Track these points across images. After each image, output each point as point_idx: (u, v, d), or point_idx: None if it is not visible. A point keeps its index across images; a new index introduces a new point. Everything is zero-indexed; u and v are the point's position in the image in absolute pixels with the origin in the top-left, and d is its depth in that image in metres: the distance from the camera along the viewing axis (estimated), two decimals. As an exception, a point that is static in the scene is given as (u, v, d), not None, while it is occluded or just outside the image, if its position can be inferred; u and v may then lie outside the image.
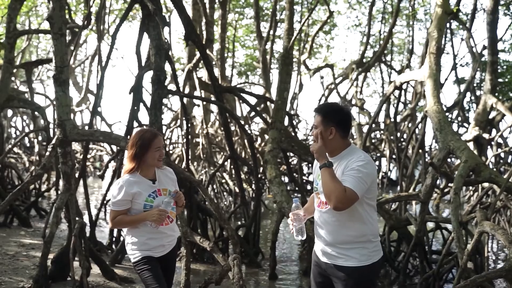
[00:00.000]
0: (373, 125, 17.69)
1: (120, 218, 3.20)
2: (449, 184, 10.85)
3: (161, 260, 3.29)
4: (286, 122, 9.27)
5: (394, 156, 17.20)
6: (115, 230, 7.96)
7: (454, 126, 15.62)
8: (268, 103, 14.55)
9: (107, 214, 10.27)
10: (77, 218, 5.37)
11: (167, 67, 6.87)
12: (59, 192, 6.94)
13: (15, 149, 15.91)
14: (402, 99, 18.85)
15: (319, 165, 2.85)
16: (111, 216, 3.24)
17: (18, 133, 20.50)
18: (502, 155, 12.76)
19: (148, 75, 6.87)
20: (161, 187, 3.27)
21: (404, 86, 15.51)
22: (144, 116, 12.21)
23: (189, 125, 9.66)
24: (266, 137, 12.97)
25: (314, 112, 3.00)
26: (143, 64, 7.25)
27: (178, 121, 13.81)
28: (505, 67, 15.42)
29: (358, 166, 2.79)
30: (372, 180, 2.84)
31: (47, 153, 5.60)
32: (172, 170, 3.45)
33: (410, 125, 18.82)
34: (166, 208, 3.14)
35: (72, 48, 13.26)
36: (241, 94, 9.42)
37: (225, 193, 12.69)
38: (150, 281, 3.17)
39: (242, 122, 12.10)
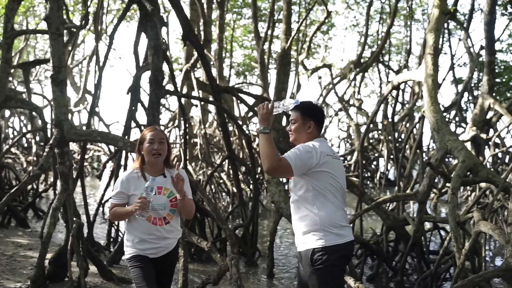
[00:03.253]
0: (371, 125, 17.72)
1: (114, 210, 3.27)
2: (447, 184, 10.88)
3: (155, 261, 3.26)
4: (284, 122, 9.28)
5: (392, 156, 17.24)
6: (113, 231, 7.97)
7: (452, 126, 15.64)
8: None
9: (105, 215, 10.27)
10: (74, 219, 5.36)
11: (165, 67, 6.85)
12: (56, 193, 6.94)
13: (13, 150, 15.91)
14: (400, 99, 18.87)
15: (258, 129, 3.00)
16: (110, 207, 3.34)
17: (15, 133, 20.49)
18: (500, 155, 12.79)
19: (146, 75, 6.86)
20: (164, 185, 3.24)
21: (401, 86, 15.52)
22: (142, 116, 12.21)
23: (187, 125, 9.66)
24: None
25: (291, 110, 3.23)
26: (141, 64, 7.24)
27: (176, 121, 13.81)
28: (502, 67, 15.46)
29: (298, 147, 3.03)
30: (316, 164, 2.96)
31: (45, 153, 5.58)
32: (185, 174, 3.37)
33: (408, 125, 18.86)
34: (147, 194, 3.07)
35: (69, 48, 13.24)
36: (239, 94, 9.42)
37: (223, 193, 12.69)
38: (138, 280, 3.17)
39: (240, 122, 12.10)
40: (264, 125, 2.97)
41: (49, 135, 9.69)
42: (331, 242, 2.94)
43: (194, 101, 13.80)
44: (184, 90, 12.09)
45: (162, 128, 12.62)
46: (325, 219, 2.97)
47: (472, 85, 15.52)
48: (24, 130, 18.76)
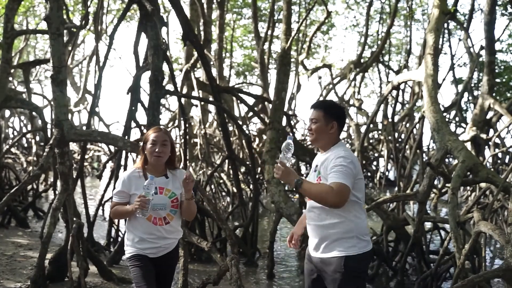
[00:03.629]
0: (371, 125, 17.72)
1: (115, 208, 3.27)
2: (447, 184, 10.87)
3: (155, 261, 3.26)
4: (284, 122, 9.28)
5: (392, 156, 17.23)
6: (113, 231, 7.97)
7: (452, 126, 15.62)
8: (266, 103, 14.54)
9: (105, 215, 10.27)
10: (74, 219, 5.37)
11: (165, 67, 6.85)
12: (56, 193, 6.94)
13: (13, 150, 15.89)
14: (400, 99, 18.86)
15: (294, 187, 2.86)
16: (111, 206, 3.37)
17: (15, 133, 20.48)
18: (500, 155, 12.78)
19: (146, 75, 6.86)
20: (165, 186, 3.24)
21: (401, 86, 15.52)
22: (142, 117, 12.18)
23: (187, 125, 9.65)
24: (264, 137, 12.97)
25: (312, 108, 3.09)
26: (141, 64, 7.24)
27: (176, 122, 13.79)
28: (502, 67, 15.46)
29: (340, 161, 2.86)
30: (357, 172, 2.90)
31: (45, 153, 5.59)
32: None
33: (408, 125, 18.86)
34: (147, 192, 3.05)
35: (69, 48, 13.24)
36: (239, 94, 9.42)
37: (223, 194, 12.69)
38: (137, 279, 3.17)
39: (240, 122, 12.10)
40: (292, 180, 2.85)
41: (49, 135, 9.69)
42: (364, 250, 2.92)
43: (194, 101, 13.79)
44: (184, 90, 12.08)
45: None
46: (360, 226, 2.95)
47: (472, 85, 15.51)
48: (24, 130, 18.74)
